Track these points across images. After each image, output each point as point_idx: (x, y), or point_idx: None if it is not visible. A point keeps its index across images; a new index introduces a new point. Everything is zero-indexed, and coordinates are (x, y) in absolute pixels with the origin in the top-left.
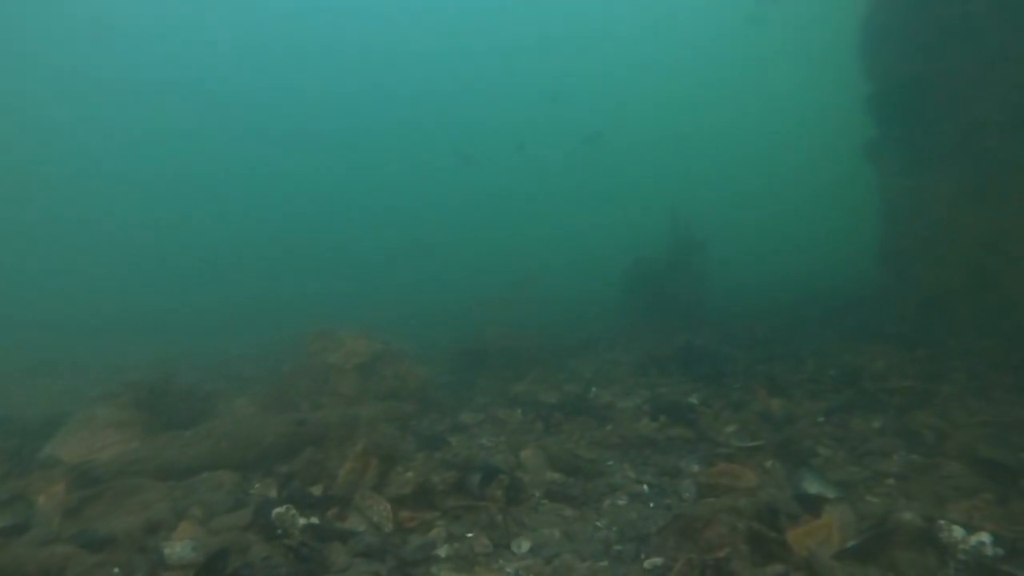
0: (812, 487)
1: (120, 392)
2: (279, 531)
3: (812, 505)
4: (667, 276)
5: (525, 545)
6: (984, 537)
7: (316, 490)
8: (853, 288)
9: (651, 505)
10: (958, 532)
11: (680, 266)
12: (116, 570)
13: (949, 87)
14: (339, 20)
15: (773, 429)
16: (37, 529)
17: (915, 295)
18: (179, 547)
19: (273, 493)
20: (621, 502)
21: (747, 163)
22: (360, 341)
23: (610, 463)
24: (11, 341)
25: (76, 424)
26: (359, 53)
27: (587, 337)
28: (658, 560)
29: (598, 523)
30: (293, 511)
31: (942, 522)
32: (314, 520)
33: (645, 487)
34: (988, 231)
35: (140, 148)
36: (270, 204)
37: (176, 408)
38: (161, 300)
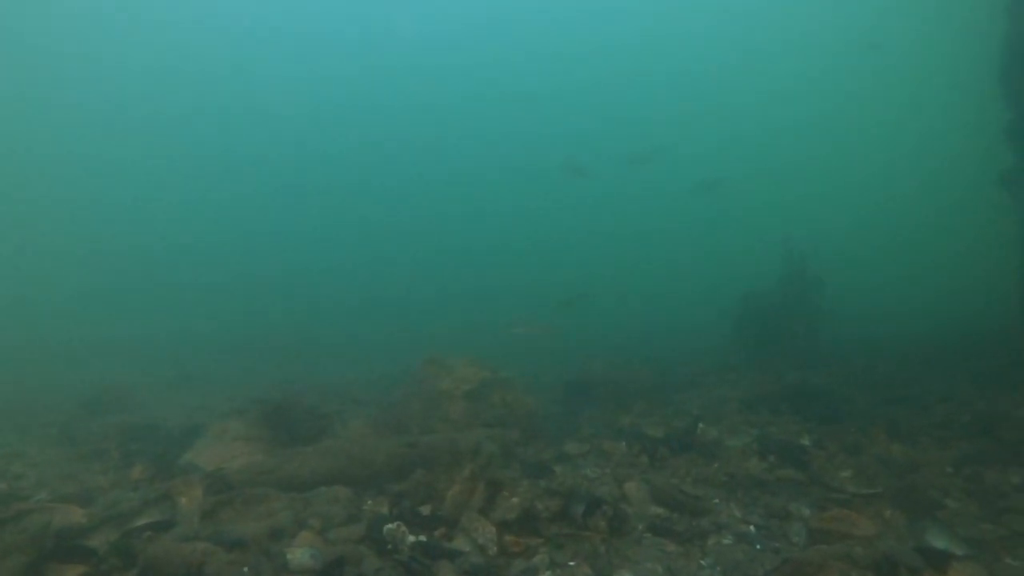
0: (938, 541)
1: (249, 408)
2: (389, 546)
3: (938, 560)
4: (780, 310)
5: None
6: None
7: (425, 510)
8: (990, 327)
9: (758, 547)
10: None
11: (794, 300)
12: (245, 569)
13: None
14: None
15: (894, 476)
16: (180, 527)
17: None
18: (300, 553)
19: (384, 510)
20: (726, 541)
21: (878, 192)
22: (469, 369)
23: (716, 501)
24: (155, 357)
25: (211, 435)
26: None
27: (695, 371)
28: None
29: (702, 561)
30: (403, 528)
31: None
32: (422, 538)
33: (752, 528)
34: None
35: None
36: (401, 242)
37: (298, 426)
38: (287, 324)
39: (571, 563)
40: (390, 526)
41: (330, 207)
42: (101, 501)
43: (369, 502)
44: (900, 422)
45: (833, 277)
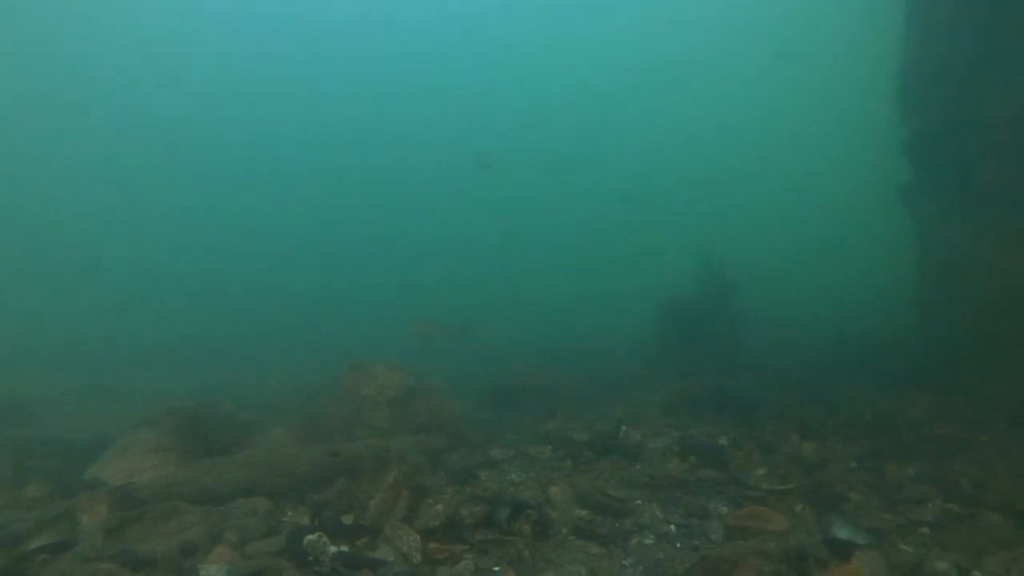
0: (842, 532)
1: (161, 418)
2: (311, 558)
3: (842, 551)
4: (700, 316)
5: None
6: None
7: (347, 519)
8: (889, 333)
9: (678, 546)
10: None
11: (713, 307)
12: None
13: (987, 131)
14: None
15: (804, 473)
16: (82, 546)
17: (952, 341)
18: (214, 570)
19: (305, 521)
20: (648, 541)
21: (783, 205)
22: (393, 375)
23: (638, 502)
24: (63, 365)
25: (119, 447)
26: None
27: (617, 376)
28: None
29: (625, 562)
30: (325, 539)
31: (978, 574)
32: (344, 548)
33: (673, 527)
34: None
35: (187, 181)
36: (312, 240)
37: (214, 435)
38: (204, 329)
39: (496, 569)
40: (311, 537)
41: (238, 204)
42: None
43: (289, 513)
44: (810, 422)
45: (750, 285)
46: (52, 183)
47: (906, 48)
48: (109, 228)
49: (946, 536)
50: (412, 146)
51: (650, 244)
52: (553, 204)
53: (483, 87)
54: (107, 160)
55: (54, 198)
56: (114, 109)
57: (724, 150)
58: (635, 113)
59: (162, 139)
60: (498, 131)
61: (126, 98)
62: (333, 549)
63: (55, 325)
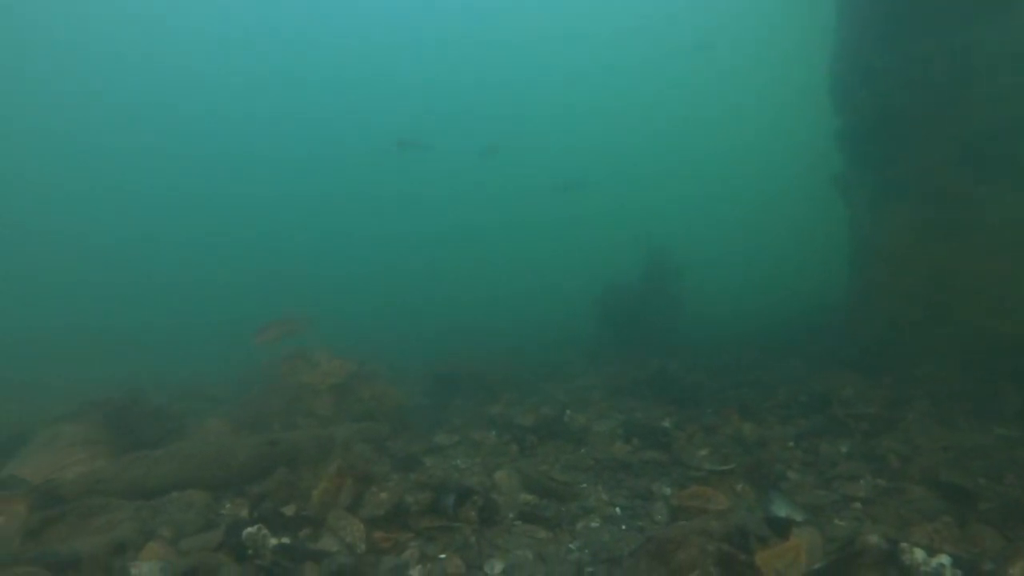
0: (781, 510)
1: (86, 410)
2: (250, 551)
3: (781, 528)
4: (640, 302)
5: (498, 566)
6: (944, 559)
7: (289, 510)
8: (822, 317)
9: (624, 527)
10: (920, 555)
11: (653, 293)
12: None
13: (909, 124)
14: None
15: (744, 453)
16: None
17: (879, 325)
18: (147, 568)
19: (244, 513)
20: (594, 524)
21: (720, 193)
22: (335, 362)
23: (584, 486)
24: None
25: (40, 443)
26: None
27: (560, 361)
28: None
29: (571, 545)
30: (265, 531)
31: (905, 545)
32: (286, 540)
33: (618, 509)
34: (943, 264)
35: (119, 158)
36: (246, 223)
37: (145, 427)
38: (132, 316)
39: (442, 556)
40: (250, 530)
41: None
42: None
43: (228, 505)
44: (749, 403)
45: (688, 272)
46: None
47: (837, 45)
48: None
49: (876, 510)
50: (349, 134)
51: (589, 234)
52: (491, 194)
53: (421, 75)
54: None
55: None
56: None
57: (663, 141)
58: (572, 106)
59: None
60: (437, 120)
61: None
62: (274, 541)
63: None
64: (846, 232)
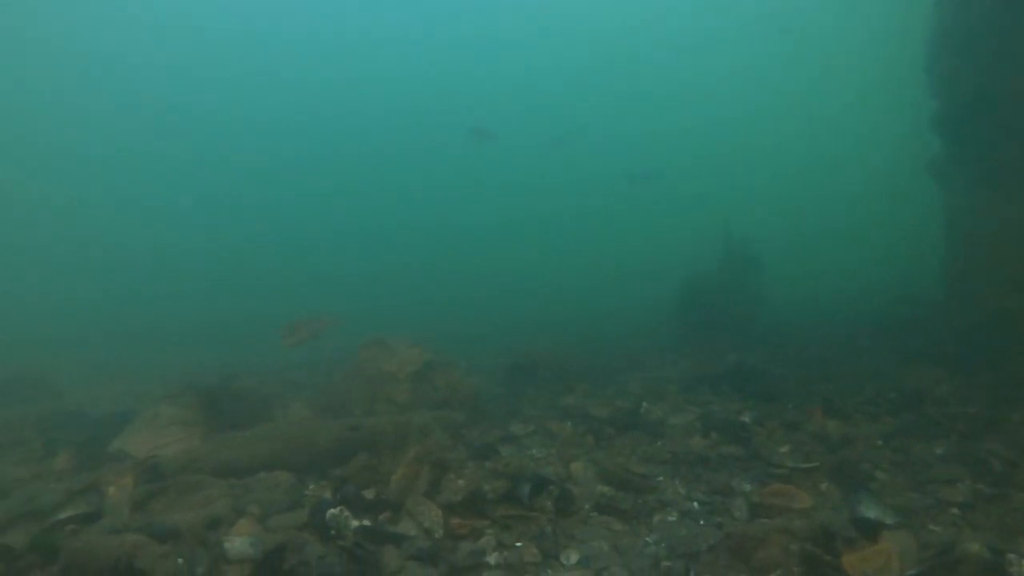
0: (870, 511)
1: (183, 392)
2: (333, 532)
3: (869, 530)
4: (719, 293)
5: (574, 557)
6: None
7: (369, 494)
8: (913, 309)
9: (702, 523)
10: None
11: (733, 283)
12: (180, 561)
13: (1015, 104)
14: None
15: (828, 451)
16: (108, 518)
17: (979, 317)
18: (238, 542)
19: (327, 495)
20: (671, 518)
21: (803, 181)
22: (412, 350)
23: (660, 479)
24: (85, 343)
25: (143, 421)
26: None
27: (635, 352)
28: None
29: (648, 538)
30: (347, 513)
31: (1012, 556)
32: (366, 523)
33: (696, 504)
34: None
35: (201, 171)
36: (327, 220)
37: (235, 409)
38: (223, 308)
39: (518, 544)
40: (333, 511)
41: (246, 184)
42: (19, 494)
43: (311, 487)
44: (834, 399)
45: (770, 261)
46: (67, 173)
47: (936, 21)
48: (130, 218)
49: (977, 517)
50: (418, 130)
51: (668, 223)
52: (568, 184)
53: (490, 67)
54: (121, 149)
55: (69, 188)
56: (130, 97)
57: (746, 127)
58: (651, 92)
59: (181, 127)
60: (505, 112)
61: (140, 85)
62: (355, 523)
63: (77, 311)
64: (935, 220)
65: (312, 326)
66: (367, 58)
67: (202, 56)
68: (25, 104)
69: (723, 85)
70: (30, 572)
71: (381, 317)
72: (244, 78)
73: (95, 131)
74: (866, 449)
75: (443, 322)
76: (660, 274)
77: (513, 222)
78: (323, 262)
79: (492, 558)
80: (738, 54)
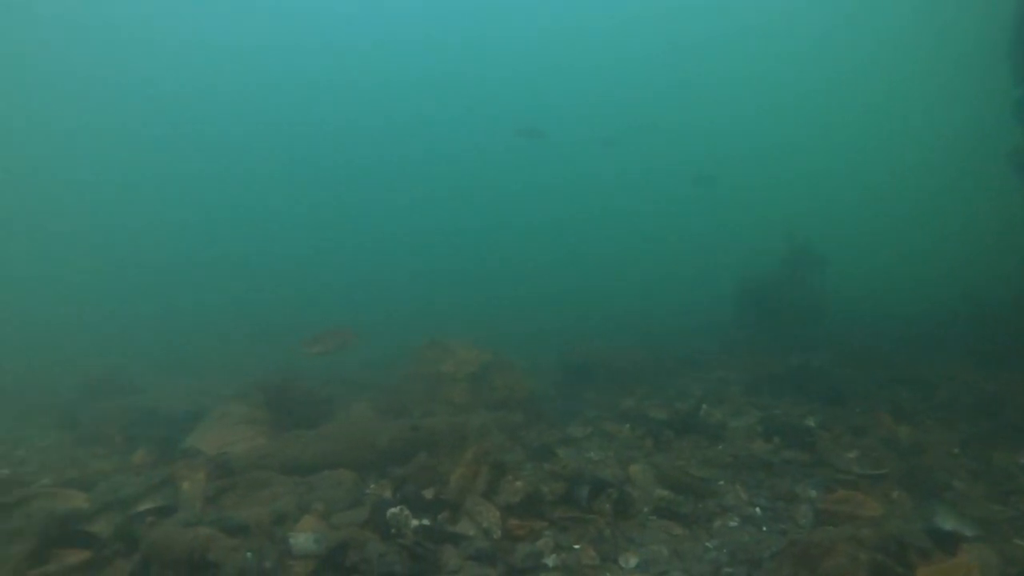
0: (946, 522)
1: (250, 392)
2: (393, 530)
3: (947, 542)
4: (780, 294)
5: (632, 560)
6: None
7: (428, 493)
8: (993, 310)
9: (764, 529)
10: None
11: (795, 282)
12: (248, 554)
13: None
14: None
15: (899, 458)
16: (183, 512)
17: None
18: (303, 538)
19: (388, 494)
20: (732, 523)
21: (873, 173)
22: (471, 352)
23: (721, 483)
24: (149, 340)
25: (213, 419)
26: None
27: (694, 354)
28: None
29: (708, 543)
30: (407, 512)
31: None
32: (426, 522)
33: (758, 510)
34: None
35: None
36: (386, 224)
37: (299, 409)
38: (284, 312)
39: (576, 546)
40: (394, 510)
41: (312, 191)
42: (103, 486)
43: (372, 486)
44: (904, 404)
45: (833, 258)
46: (142, 192)
47: (1018, 6)
48: (201, 229)
49: None
50: (480, 129)
51: (726, 220)
52: (624, 183)
53: (542, 64)
54: (188, 165)
55: (146, 206)
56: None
57: (808, 121)
58: (709, 85)
59: (241, 141)
60: (559, 110)
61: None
62: (415, 522)
63: (151, 314)
64: (1016, 216)
65: (335, 338)
66: (420, 60)
67: (290, 65)
68: (102, 124)
69: (783, 78)
70: (114, 559)
71: (438, 318)
72: (301, 87)
73: (163, 152)
74: (941, 457)
75: (499, 323)
76: (718, 273)
77: (577, 221)
78: (382, 265)
79: (550, 560)
80: (800, 46)
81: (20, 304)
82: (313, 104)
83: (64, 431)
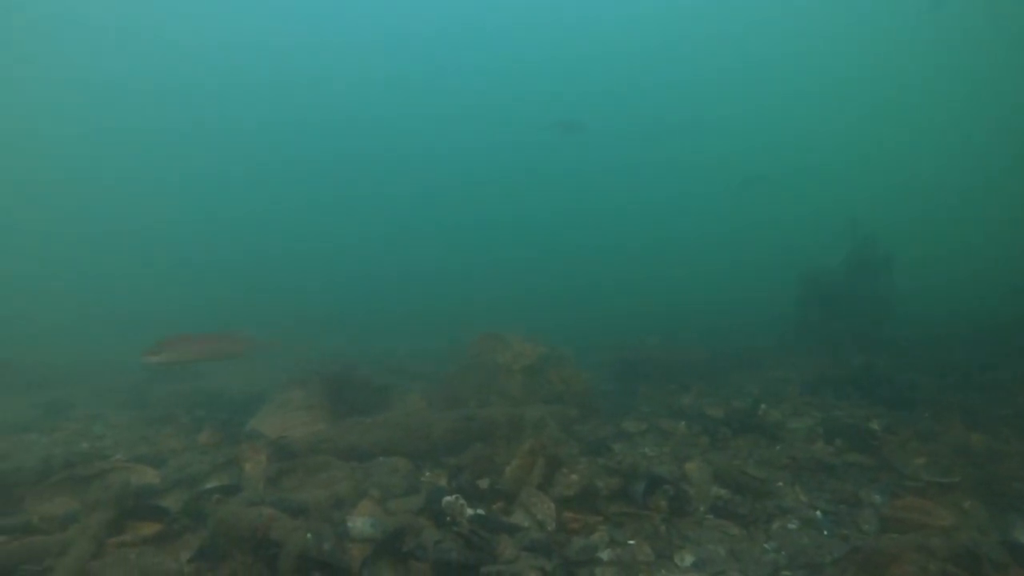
0: None
1: (309, 379)
2: (448, 518)
3: None
4: (843, 293)
5: (688, 559)
6: None
7: (483, 483)
8: None
9: (825, 533)
10: None
11: (859, 281)
12: (308, 535)
13: None
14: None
15: (972, 466)
16: (246, 491)
17: None
18: (361, 522)
19: (443, 482)
20: (792, 526)
21: (934, 179)
22: (526, 344)
23: (780, 484)
24: (217, 328)
25: (274, 404)
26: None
27: (753, 351)
28: None
29: (766, 545)
30: (462, 501)
31: None
32: (480, 511)
33: (818, 513)
34: None
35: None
36: (445, 216)
37: (357, 396)
38: (342, 301)
39: (631, 542)
40: (449, 498)
41: (362, 182)
42: (172, 463)
43: (427, 474)
44: (977, 409)
45: (901, 258)
46: (206, 189)
47: None
48: (265, 223)
49: None
50: (521, 124)
51: (784, 216)
52: (681, 176)
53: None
54: (257, 162)
55: (213, 201)
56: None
57: (874, 118)
58: (769, 83)
59: (316, 134)
60: (610, 104)
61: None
62: (470, 511)
63: (212, 302)
64: None
65: (199, 345)
66: (482, 51)
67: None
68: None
69: (842, 75)
70: (183, 533)
71: (493, 311)
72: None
73: (232, 147)
74: (1019, 467)
75: (555, 317)
76: (778, 271)
77: (636, 216)
78: (440, 256)
79: (605, 554)
80: (855, 46)
81: (92, 296)
82: (349, 99)
83: (134, 410)
